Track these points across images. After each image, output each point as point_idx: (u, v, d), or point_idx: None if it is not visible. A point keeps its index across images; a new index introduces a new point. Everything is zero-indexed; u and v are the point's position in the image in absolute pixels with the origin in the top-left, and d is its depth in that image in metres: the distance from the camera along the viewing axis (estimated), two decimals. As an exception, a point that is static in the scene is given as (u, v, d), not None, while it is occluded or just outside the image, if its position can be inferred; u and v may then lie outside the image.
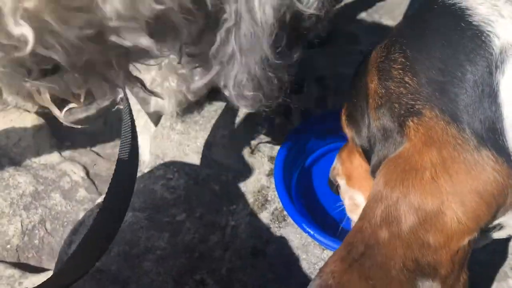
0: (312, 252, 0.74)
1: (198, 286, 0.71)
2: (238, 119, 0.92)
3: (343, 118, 0.56)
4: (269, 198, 0.82)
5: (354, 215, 0.64)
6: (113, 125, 1.20)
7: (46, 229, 1.37)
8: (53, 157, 1.54)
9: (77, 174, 1.47)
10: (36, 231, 1.36)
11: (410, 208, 0.39)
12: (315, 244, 0.75)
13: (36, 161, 1.53)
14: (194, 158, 0.88)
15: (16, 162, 1.51)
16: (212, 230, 0.78)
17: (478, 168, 0.37)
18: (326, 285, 0.42)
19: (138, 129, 0.92)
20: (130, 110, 0.69)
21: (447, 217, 0.38)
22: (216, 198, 0.83)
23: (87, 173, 1.50)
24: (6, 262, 1.28)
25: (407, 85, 0.42)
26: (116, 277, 0.73)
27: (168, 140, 0.90)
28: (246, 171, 0.86)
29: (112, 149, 1.57)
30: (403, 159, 0.41)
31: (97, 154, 1.57)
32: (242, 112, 0.93)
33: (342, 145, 0.67)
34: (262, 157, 0.87)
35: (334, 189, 0.68)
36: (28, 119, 1.59)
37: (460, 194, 0.38)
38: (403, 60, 0.43)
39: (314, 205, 0.79)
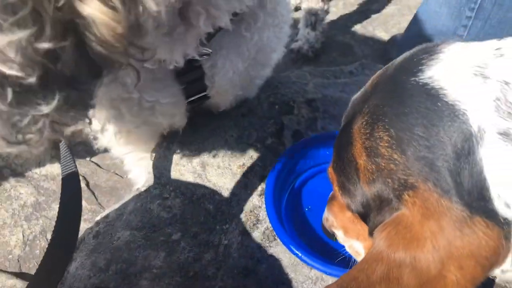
0: (300, 272, 0.78)
1: (192, 304, 0.75)
2: (231, 139, 0.96)
3: (337, 186, 0.59)
4: (260, 218, 0.85)
5: (359, 258, 0.68)
6: (112, 136, 1.23)
7: (47, 239, 1.41)
8: (53, 168, 1.58)
9: (77, 185, 1.51)
10: (37, 242, 1.40)
11: (412, 271, 0.44)
12: (303, 264, 0.79)
13: (37, 172, 1.56)
14: (190, 178, 0.92)
15: (17, 173, 1.55)
16: (205, 249, 0.82)
17: (472, 234, 0.42)
18: None
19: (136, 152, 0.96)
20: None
21: (447, 280, 0.43)
22: (210, 217, 0.87)
23: (87, 184, 1.54)
24: (8, 272, 1.32)
25: (396, 162, 0.45)
26: (114, 295, 0.77)
27: (164, 160, 0.94)
28: (238, 190, 0.89)
29: (111, 160, 1.61)
30: (403, 226, 0.45)
31: (97, 165, 1.61)
32: (235, 131, 0.97)
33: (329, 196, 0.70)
34: (254, 177, 0.91)
35: (331, 236, 0.71)
36: (29, 131, 1.63)
37: (458, 259, 0.42)
38: (389, 139, 0.46)
39: (303, 226, 0.83)
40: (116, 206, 0.93)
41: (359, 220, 0.62)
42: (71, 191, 0.74)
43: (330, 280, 0.76)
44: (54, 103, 0.38)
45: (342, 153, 0.53)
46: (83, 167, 1.60)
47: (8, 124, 0.39)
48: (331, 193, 0.70)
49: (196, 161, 0.93)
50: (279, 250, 0.81)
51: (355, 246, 0.66)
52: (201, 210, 0.88)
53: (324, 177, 0.72)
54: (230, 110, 1.00)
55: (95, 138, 0.94)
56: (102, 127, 0.86)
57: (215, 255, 0.81)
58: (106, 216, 0.91)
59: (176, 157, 0.94)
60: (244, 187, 0.90)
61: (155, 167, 0.94)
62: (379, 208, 0.50)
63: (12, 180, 1.55)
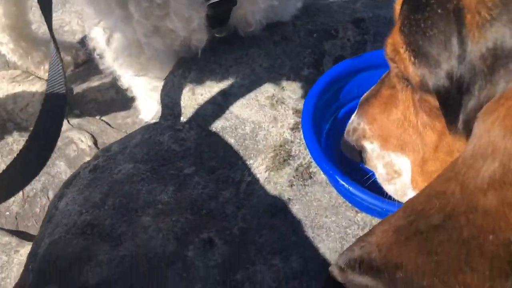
0: (343, 215, 0.61)
1: (205, 246, 0.59)
2: (260, 69, 0.80)
3: (406, 53, 0.42)
4: (293, 153, 0.69)
5: (391, 186, 0.52)
6: (125, 95, 1.09)
7: (48, 197, 1.28)
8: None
9: (84, 142, 1.38)
10: (38, 199, 1.27)
11: None
12: (347, 206, 0.62)
13: (43, 128, 1.44)
14: (208, 109, 0.76)
15: (22, 127, 1.42)
16: (224, 186, 0.66)
17: None
18: (368, 259, 0.34)
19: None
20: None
21: None
22: (231, 152, 0.71)
23: (95, 142, 1.41)
24: (3, 229, 1.20)
25: None
26: (109, 233, 0.62)
27: (179, 89, 0.79)
28: (266, 124, 0.74)
29: (123, 120, 1.48)
30: None
31: (107, 123, 1.47)
32: (265, 61, 0.81)
33: (362, 97, 0.54)
34: (287, 109, 0.75)
35: (356, 155, 0.55)
36: (37, 85, 1.51)
37: None
38: None
39: (348, 165, 0.66)
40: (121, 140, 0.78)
41: (413, 125, 0.45)
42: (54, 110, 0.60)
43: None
44: None
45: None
46: (92, 125, 1.47)
47: None
48: (365, 94, 0.54)
49: (216, 90, 0.78)
50: (316, 189, 0.64)
51: (396, 163, 0.49)
52: (220, 144, 0.72)
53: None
54: (260, 38, 0.84)
55: (102, 57, 0.80)
56: (108, 37, 0.72)
57: (236, 192, 0.66)
58: (107, 150, 0.76)
59: (193, 86, 0.79)
60: (273, 120, 0.74)
61: (168, 96, 0.79)
62: (492, 70, 0.33)
63: (15, 134, 1.42)
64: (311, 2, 0.87)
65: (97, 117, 1.48)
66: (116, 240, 0.61)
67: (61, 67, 0.61)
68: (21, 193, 1.28)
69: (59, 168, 1.33)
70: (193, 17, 0.66)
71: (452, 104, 0.39)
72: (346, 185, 0.55)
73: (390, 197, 0.55)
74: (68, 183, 0.73)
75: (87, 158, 1.29)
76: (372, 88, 0.54)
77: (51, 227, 0.66)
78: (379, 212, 0.57)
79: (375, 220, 0.60)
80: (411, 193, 0.50)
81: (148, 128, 0.77)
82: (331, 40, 0.81)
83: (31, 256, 0.64)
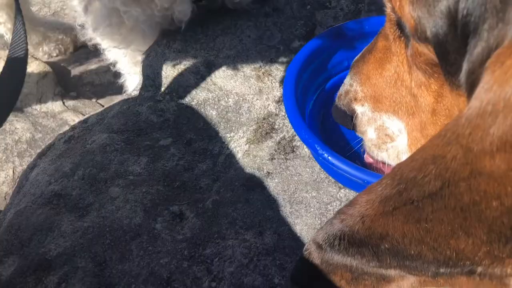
0: (325, 190, 0.57)
1: (175, 219, 0.55)
2: (248, 40, 0.76)
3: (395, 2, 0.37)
4: (276, 126, 0.65)
5: (382, 152, 0.47)
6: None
7: (38, 178, 1.25)
8: (55, 106, 1.43)
9: (78, 124, 1.36)
10: (28, 180, 1.25)
11: None
12: (330, 181, 0.57)
13: (37, 109, 1.42)
14: (191, 79, 0.72)
15: (16, 108, 1.41)
16: (201, 158, 0.62)
17: None
18: (350, 232, 0.31)
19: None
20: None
21: None
22: (212, 124, 0.67)
23: (90, 125, 1.38)
24: (-10, 209, 1.17)
25: None
26: (76, 204, 0.58)
27: (162, 59, 0.75)
28: (251, 96, 0.69)
29: (119, 102, 1.45)
30: None
31: (103, 106, 1.45)
32: (254, 32, 0.77)
33: (358, 55, 0.49)
34: (273, 81, 0.71)
35: (347, 121, 0.50)
36: (34, 65, 1.49)
37: None
38: None
39: (335, 139, 0.61)
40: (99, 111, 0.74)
41: (407, 85, 0.41)
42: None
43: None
44: None
45: None
46: (88, 107, 1.44)
47: None
48: (359, 54, 0.49)
49: (200, 60, 0.74)
50: (298, 163, 0.60)
51: (389, 127, 0.44)
52: (201, 116, 0.68)
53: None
54: (251, 9, 0.79)
55: (82, 28, 0.77)
56: (86, 5, 0.68)
57: (213, 165, 0.61)
58: (85, 121, 0.72)
59: (176, 55, 0.75)
60: (258, 92, 0.70)
61: (150, 66, 0.75)
62: (503, 8, 0.28)
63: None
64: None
65: (93, 100, 1.45)
66: (82, 210, 0.57)
67: (23, 32, 0.58)
68: (11, 172, 1.26)
69: (51, 149, 1.31)
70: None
71: (452, 53, 0.33)
72: (325, 154, 0.51)
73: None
74: (41, 154, 0.70)
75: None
76: (370, 43, 0.49)
77: (19, 197, 0.63)
78: (363, 187, 0.52)
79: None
80: None
81: (128, 99, 0.73)
82: (323, 10, 0.76)
83: (-4, 227, 0.61)
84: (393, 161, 0.47)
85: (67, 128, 1.48)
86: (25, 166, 1.26)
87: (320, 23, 0.75)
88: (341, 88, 0.50)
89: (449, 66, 0.35)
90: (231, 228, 0.54)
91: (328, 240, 0.32)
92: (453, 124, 0.29)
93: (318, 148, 0.51)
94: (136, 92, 0.75)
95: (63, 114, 1.37)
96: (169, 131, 0.66)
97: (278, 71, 0.72)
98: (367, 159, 0.50)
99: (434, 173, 0.29)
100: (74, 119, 1.37)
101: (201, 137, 0.65)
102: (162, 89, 0.72)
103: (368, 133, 0.48)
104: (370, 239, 0.31)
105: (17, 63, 0.56)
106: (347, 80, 0.49)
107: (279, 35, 0.77)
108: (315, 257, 0.33)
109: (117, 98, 1.51)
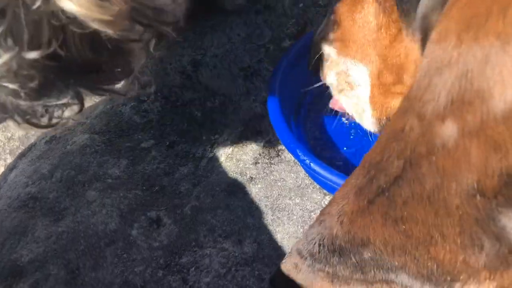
0: (309, 197, 0.54)
1: (152, 225, 0.53)
2: (237, 38, 0.73)
3: None
4: (262, 129, 0.62)
5: (346, 100, 0.44)
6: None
7: (29, 176, 1.24)
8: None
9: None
10: (19, 178, 1.23)
11: None
12: (315, 188, 0.55)
13: (31, 105, 1.40)
14: (176, 79, 0.70)
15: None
16: (183, 162, 0.60)
17: None
18: (329, 236, 0.27)
19: None
20: None
21: None
22: (196, 126, 0.64)
23: (83, 122, 1.36)
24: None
25: None
26: (52, 207, 0.57)
27: (146, 57, 0.72)
28: (237, 97, 0.67)
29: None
30: None
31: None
32: (244, 30, 0.74)
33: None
34: (261, 82, 0.68)
35: (315, 64, 0.47)
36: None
37: None
38: None
39: (322, 144, 0.59)
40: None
41: (374, 31, 0.39)
42: None
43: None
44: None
45: None
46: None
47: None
48: None
49: (186, 59, 0.72)
50: (282, 168, 0.57)
51: (351, 71, 0.42)
52: (186, 117, 0.66)
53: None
54: (242, 6, 0.77)
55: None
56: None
57: (195, 169, 0.59)
58: (68, 121, 0.70)
59: (161, 54, 0.73)
60: (245, 93, 0.67)
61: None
62: None
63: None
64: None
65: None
66: (58, 214, 0.56)
67: None
68: (2, 170, 1.25)
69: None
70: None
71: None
72: (307, 160, 0.48)
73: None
74: (22, 154, 0.68)
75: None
76: None
77: (-4, 199, 0.61)
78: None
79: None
80: (368, 111, 0.42)
81: (112, 98, 0.71)
82: (314, 8, 0.73)
83: (-28, 230, 0.59)
84: (358, 112, 0.44)
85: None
86: (16, 163, 1.24)
87: (312, 22, 0.72)
88: (321, 26, 0.47)
89: (404, 4, 0.32)
90: (209, 235, 0.52)
91: (307, 247, 0.28)
92: (410, 88, 0.26)
93: (300, 154, 0.49)
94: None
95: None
96: (152, 133, 0.64)
97: (267, 71, 0.70)
98: (332, 104, 0.48)
99: (396, 151, 0.25)
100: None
101: (184, 139, 0.63)
102: (146, 88, 0.70)
103: (330, 77, 0.45)
104: (351, 245, 0.27)
105: None
106: (326, 20, 0.46)
107: (269, 34, 0.74)
108: (295, 266, 0.30)
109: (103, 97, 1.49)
